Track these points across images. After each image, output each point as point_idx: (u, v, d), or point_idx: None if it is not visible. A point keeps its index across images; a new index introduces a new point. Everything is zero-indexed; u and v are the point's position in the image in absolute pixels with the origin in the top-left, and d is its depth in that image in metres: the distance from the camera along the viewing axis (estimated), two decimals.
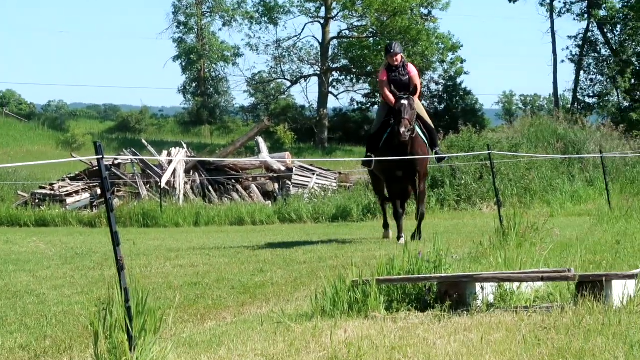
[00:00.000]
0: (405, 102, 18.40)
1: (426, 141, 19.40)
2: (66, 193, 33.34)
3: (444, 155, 21.72)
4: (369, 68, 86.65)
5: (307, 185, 32.00)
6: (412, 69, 19.47)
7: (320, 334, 8.41)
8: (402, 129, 18.03)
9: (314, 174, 33.03)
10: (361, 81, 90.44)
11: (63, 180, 35.02)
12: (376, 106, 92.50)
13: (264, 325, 9.34)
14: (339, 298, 9.59)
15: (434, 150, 19.92)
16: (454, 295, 9.63)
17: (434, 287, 9.84)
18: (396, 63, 19.17)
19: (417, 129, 19.05)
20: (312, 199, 29.91)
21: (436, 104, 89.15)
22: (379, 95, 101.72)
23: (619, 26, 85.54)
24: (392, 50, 19.25)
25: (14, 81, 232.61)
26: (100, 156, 7.58)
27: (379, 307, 9.52)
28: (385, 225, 20.33)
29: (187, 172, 32.22)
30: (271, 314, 10.23)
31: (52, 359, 8.89)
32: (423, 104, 21.82)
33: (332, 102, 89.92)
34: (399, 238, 19.06)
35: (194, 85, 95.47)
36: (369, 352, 7.58)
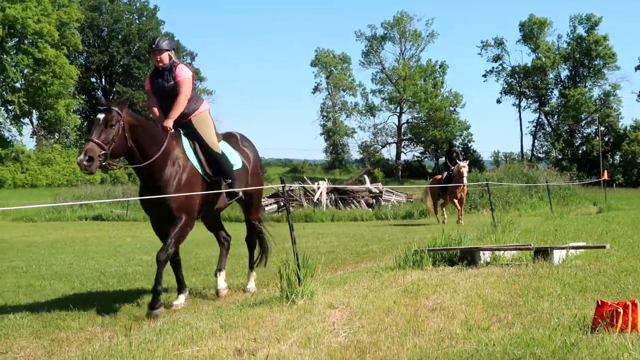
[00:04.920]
0: (100, 115, 7.04)
1: (199, 170, 7.88)
2: (265, 205, 33.78)
3: (236, 191, 8.33)
4: (422, 139, 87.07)
5: (390, 200, 31.80)
6: (183, 71, 7.86)
7: (398, 277, 8.36)
8: (80, 157, 6.74)
9: (393, 194, 32.86)
10: (418, 145, 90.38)
11: (264, 198, 35.52)
12: (426, 159, 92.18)
13: (368, 273, 9.31)
14: (407, 259, 9.52)
15: (224, 183, 8.15)
16: (468, 258, 9.52)
17: (458, 253, 9.74)
18: (160, 64, 7.83)
19: (190, 154, 7.85)
20: (392, 207, 29.74)
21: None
22: (427, 152, 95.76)
23: (555, 115, 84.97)
24: (154, 46, 7.85)
25: None
26: (283, 184, 7.67)
27: (429, 264, 9.44)
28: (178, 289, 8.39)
29: (327, 193, 32.25)
30: (372, 267, 10.22)
31: (258, 289, 8.99)
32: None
33: (403, 157, 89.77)
34: (154, 297, 7.44)
35: (330, 148, 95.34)
36: (424, 287, 7.52)
